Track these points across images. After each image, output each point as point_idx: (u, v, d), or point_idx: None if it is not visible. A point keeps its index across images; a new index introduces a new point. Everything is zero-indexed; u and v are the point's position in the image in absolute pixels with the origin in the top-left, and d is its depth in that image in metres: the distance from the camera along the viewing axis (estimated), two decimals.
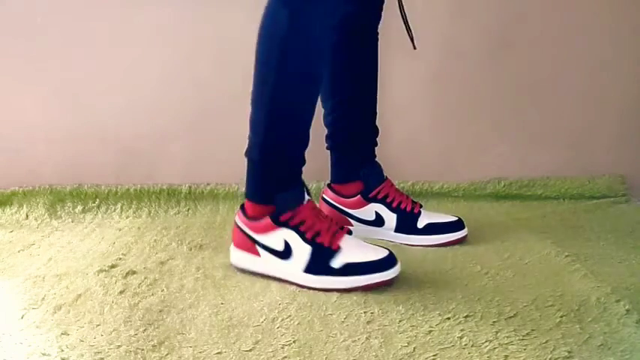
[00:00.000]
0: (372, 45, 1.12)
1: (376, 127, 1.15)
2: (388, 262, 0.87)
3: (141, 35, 1.35)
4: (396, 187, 1.15)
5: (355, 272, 0.86)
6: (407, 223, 1.10)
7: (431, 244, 1.07)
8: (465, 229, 1.10)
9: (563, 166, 1.44)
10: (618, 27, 1.39)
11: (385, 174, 1.14)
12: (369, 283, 0.86)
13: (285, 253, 0.90)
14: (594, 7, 1.38)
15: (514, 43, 1.39)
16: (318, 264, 0.87)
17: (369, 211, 1.12)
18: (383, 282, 0.87)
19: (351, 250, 0.88)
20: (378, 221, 1.11)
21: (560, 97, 1.42)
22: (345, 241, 0.89)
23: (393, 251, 0.89)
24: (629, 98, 1.43)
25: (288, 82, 0.88)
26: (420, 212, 1.10)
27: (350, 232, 0.93)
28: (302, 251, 0.88)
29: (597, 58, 1.40)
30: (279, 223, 0.89)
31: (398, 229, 1.10)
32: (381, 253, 0.88)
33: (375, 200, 1.11)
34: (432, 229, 1.08)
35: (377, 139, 1.15)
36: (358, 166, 1.13)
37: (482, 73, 1.40)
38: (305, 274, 0.88)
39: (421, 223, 1.09)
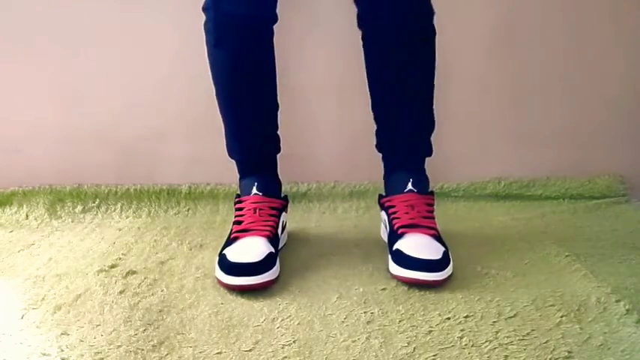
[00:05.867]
0: (429, 45, 1.00)
1: (429, 143, 1.09)
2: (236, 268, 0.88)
3: (141, 35, 1.35)
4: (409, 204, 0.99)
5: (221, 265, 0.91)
6: (389, 240, 0.99)
7: (392, 272, 0.92)
8: (441, 273, 0.88)
9: (563, 166, 1.43)
10: (618, 27, 1.39)
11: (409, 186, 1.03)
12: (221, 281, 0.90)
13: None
14: (595, 7, 1.38)
15: (514, 43, 1.39)
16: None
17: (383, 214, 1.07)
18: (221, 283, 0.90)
19: (235, 249, 0.93)
20: (385, 225, 1.06)
21: (560, 97, 1.42)
22: (242, 240, 0.95)
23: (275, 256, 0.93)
24: (629, 98, 1.42)
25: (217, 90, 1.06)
26: (402, 235, 0.95)
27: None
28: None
29: (597, 57, 1.40)
30: (236, 203, 1.05)
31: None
32: (256, 257, 0.89)
33: (382, 207, 1.05)
34: (399, 257, 0.91)
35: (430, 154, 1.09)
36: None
37: (482, 72, 1.40)
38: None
39: (395, 246, 0.94)
